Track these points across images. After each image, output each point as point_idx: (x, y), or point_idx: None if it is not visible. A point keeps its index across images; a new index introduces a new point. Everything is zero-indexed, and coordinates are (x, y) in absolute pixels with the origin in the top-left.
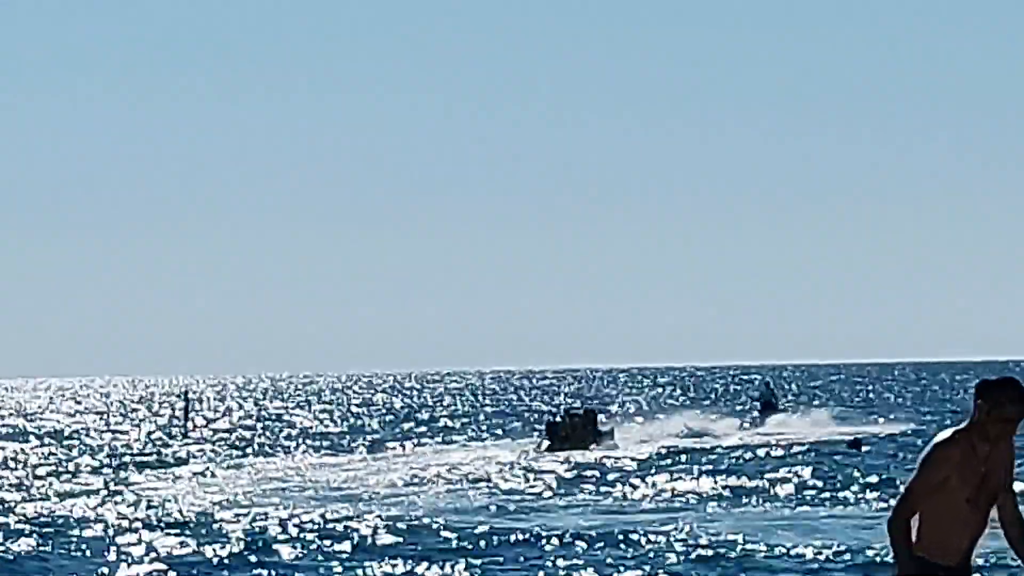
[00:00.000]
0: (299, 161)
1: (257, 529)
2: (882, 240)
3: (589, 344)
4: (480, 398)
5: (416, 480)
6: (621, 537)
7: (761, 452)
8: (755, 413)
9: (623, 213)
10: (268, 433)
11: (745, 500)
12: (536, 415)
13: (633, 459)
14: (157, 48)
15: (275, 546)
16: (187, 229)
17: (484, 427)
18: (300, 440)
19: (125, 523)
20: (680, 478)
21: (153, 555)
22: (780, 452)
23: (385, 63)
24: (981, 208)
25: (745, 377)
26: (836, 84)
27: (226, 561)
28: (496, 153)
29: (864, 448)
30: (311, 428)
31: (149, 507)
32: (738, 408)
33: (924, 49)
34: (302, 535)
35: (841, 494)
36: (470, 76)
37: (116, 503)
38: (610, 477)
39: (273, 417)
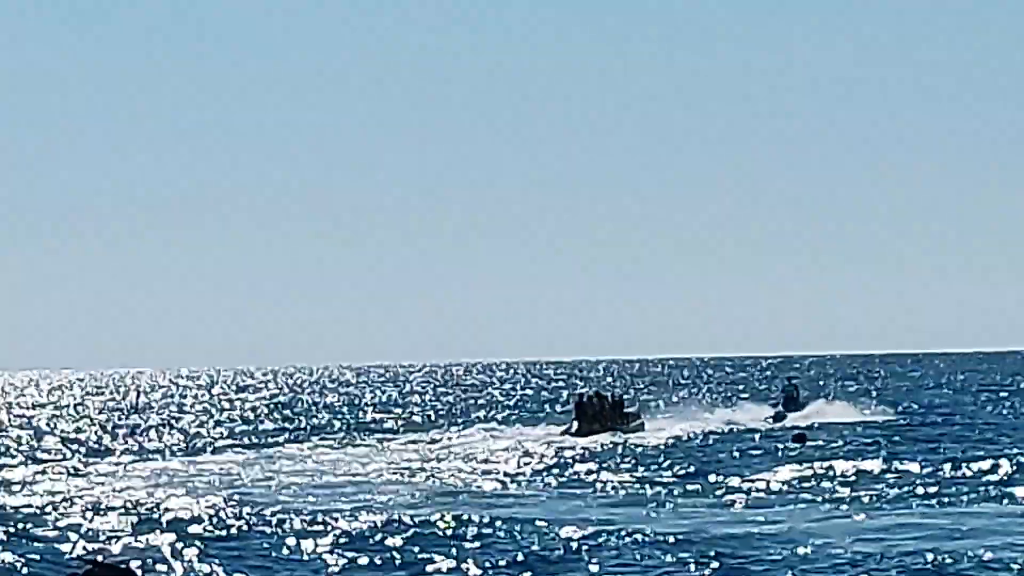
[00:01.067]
0: (279, 159)
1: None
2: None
3: (605, 335)
4: (512, 387)
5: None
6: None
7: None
8: (778, 408)
9: (634, 206)
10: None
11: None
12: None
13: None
14: (147, 47)
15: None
16: (166, 226)
17: (517, 413)
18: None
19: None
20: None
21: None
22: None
23: (381, 56)
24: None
25: (763, 369)
26: (835, 75)
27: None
28: (517, 146)
29: (808, 442)
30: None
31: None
32: (767, 401)
33: (928, 41)
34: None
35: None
36: (474, 62)
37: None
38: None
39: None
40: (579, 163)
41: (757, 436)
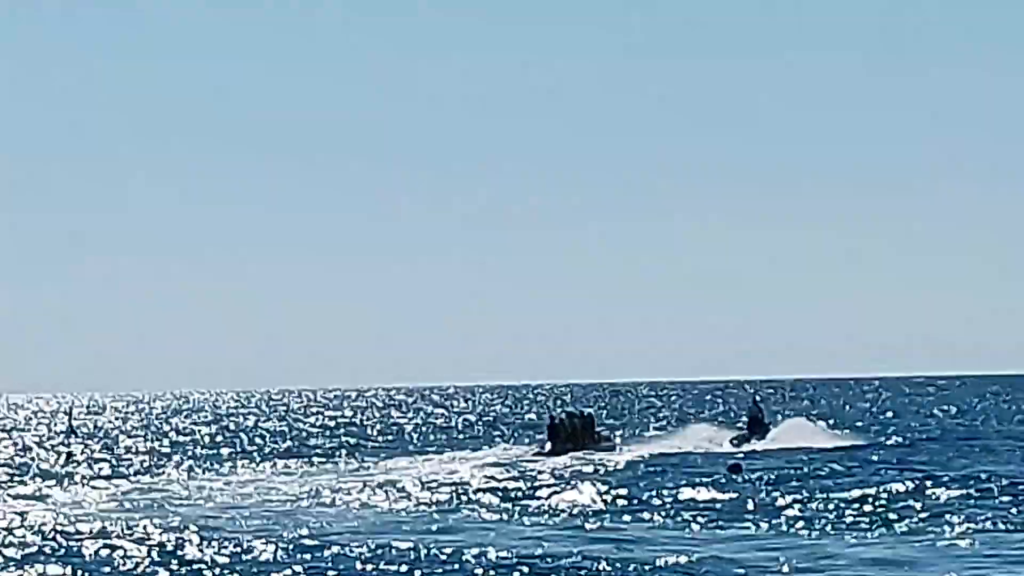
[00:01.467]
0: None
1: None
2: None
3: (572, 360)
4: (474, 410)
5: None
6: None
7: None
8: (743, 429)
9: (598, 227)
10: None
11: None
12: (535, 425)
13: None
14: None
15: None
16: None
17: (490, 435)
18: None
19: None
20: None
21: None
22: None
23: (387, 69)
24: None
25: (728, 392)
26: (795, 90)
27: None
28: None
29: (744, 472)
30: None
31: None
32: (729, 424)
33: (937, 57)
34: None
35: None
36: (467, 83)
37: None
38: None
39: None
40: (545, 192)
41: (699, 460)
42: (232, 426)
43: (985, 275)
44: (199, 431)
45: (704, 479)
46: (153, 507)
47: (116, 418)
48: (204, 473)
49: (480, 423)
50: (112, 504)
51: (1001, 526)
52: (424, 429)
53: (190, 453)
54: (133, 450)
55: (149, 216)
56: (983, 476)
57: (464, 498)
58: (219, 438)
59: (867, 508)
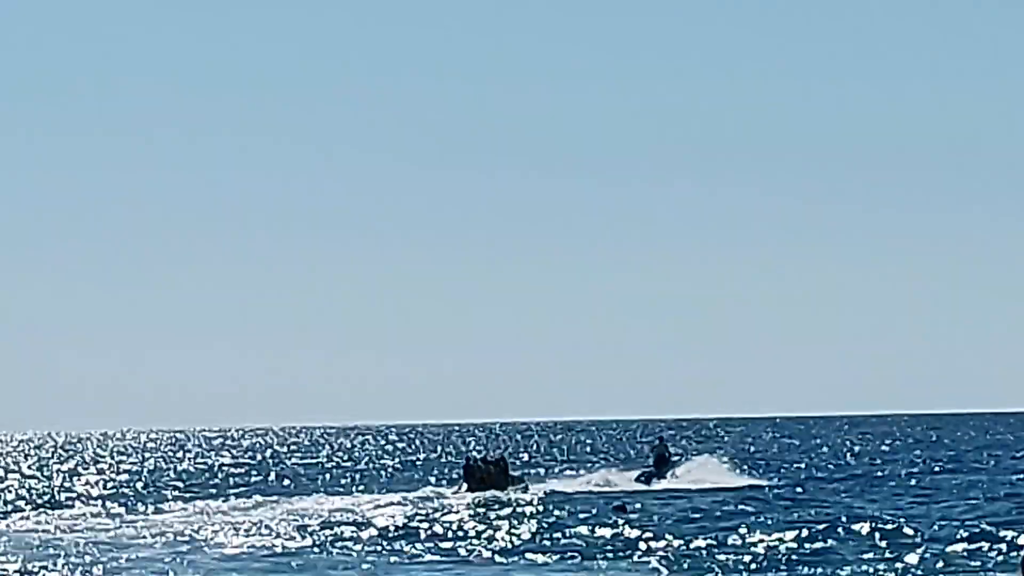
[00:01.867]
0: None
1: None
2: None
3: (491, 400)
4: (385, 451)
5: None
6: None
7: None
8: (650, 467)
9: (508, 270)
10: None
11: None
12: (447, 464)
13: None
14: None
15: None
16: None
17: (401, 476)
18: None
19: None
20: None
21: None
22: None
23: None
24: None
25: (638, 431)
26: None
27: None
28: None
29: (629, 512)
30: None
31: None
32: (634, 462)
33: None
34: None
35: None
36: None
37: None
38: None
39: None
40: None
41: (599, 499)
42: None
43: (906, 310)
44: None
45: (592, 518)
46: None
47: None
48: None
49: (403, 463)
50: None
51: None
52: (338, 469)
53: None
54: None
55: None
56: (852, 517)
57: (339, 536)
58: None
59: (750, 551)
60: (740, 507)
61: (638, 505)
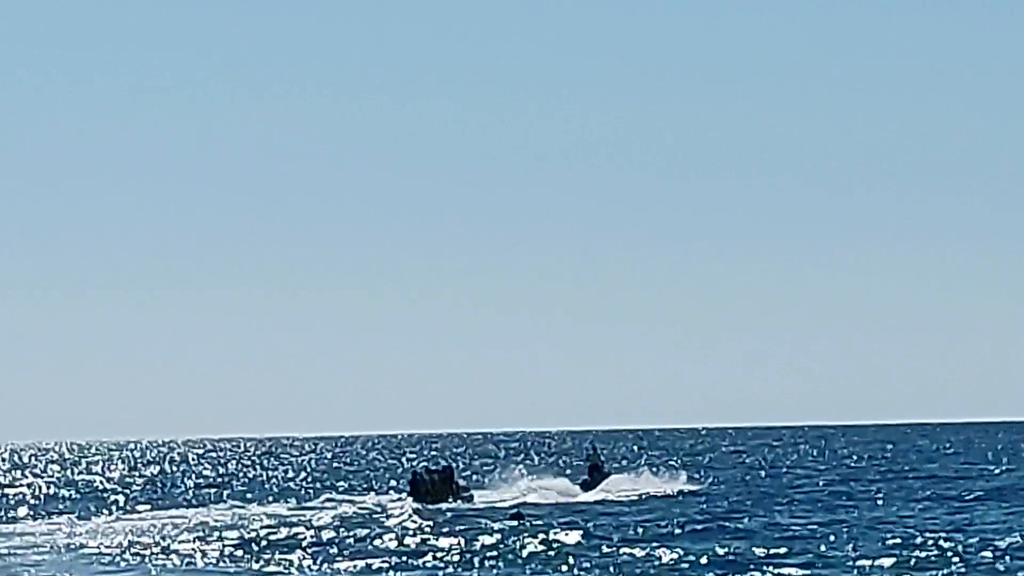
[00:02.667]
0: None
1: None
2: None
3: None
4: (338, 460)
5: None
6: None
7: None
8: (584, 476)
9: (442, 281)
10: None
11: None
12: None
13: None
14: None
15: None
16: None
17: (348, 485)
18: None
19: None
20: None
21: None
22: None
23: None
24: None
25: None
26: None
27: None
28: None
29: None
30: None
31: None
32: (568, 471)
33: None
34: None
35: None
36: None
37: None
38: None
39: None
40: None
41: (525, 508)
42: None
43: (855, 322)
44: None
45: (488, 527)
46: None
47: None
48: None
49: (356, 474)
50: None
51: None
52: (273, 479)
53: None
54: None
55: None
56: (768, 526)
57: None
58: None
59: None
60: (644, 515)
61: (534, 512)
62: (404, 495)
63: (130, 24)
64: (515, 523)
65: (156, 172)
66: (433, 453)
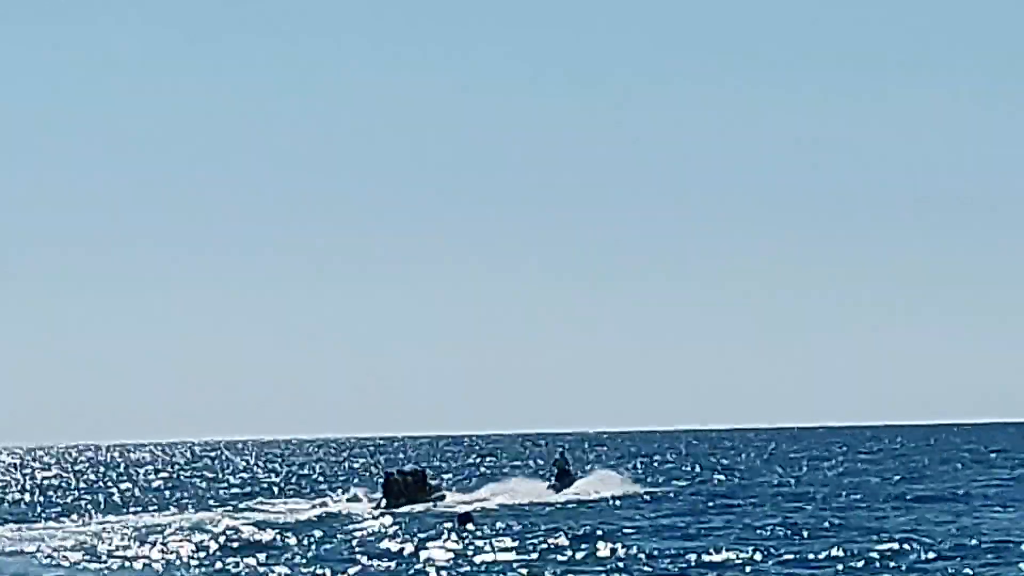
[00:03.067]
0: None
1: None
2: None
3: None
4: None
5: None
6: None
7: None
8: (552, 480)
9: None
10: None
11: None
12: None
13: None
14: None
15: None
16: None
17: (322, 487)
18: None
19: None
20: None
21: None
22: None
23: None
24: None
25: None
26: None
27: None
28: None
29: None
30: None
31: None
32: (538, 474)
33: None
34: None
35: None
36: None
37: None
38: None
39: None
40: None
41: (503, 510)
42: None
43: (819, 323)
44: None
45: (437, 531)
46: None
47: None
48: None
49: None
50: None
51: None
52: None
53: None
54: None
55: None
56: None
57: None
58: None
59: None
60: (601, 517)
61: (483, 517)
62: (378, 496)
63: (130, 23)
64: (462, 526)
65: (156, 170)
66: (403, 456)
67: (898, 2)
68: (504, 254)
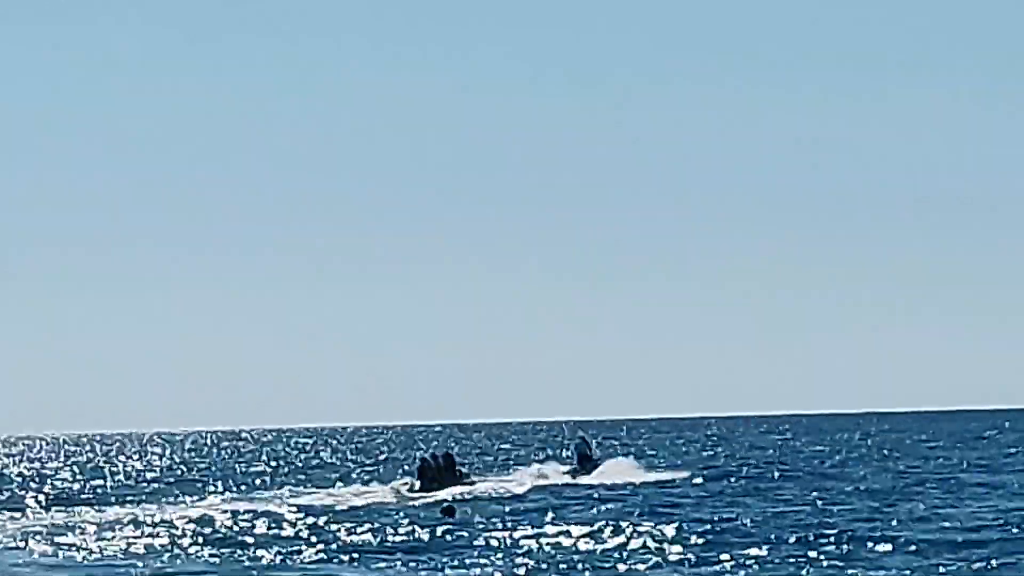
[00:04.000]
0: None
1: None
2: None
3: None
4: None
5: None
6: None
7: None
8: (575, 465)
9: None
10: None
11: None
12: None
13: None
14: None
15: None
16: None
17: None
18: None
19: None
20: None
21: None
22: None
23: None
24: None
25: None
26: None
27: None
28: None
29: (458, 515)
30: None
31: None
32: (562, 460)
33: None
34: None
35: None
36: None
37: None
38: None
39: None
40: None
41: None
42: None
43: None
44: None
45: (420, 521)
46: None
47: None
48: None
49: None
50: None
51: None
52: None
53: None
54: None
55: None
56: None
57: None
58: None
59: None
60: (606, 503)
61: (467, 508)
62: (413, 480)
63: (130, 23)
64: (442, 517)
65: (156, 170)
66: (430, 444)
67: (898, 2)
68: (504, 254)
